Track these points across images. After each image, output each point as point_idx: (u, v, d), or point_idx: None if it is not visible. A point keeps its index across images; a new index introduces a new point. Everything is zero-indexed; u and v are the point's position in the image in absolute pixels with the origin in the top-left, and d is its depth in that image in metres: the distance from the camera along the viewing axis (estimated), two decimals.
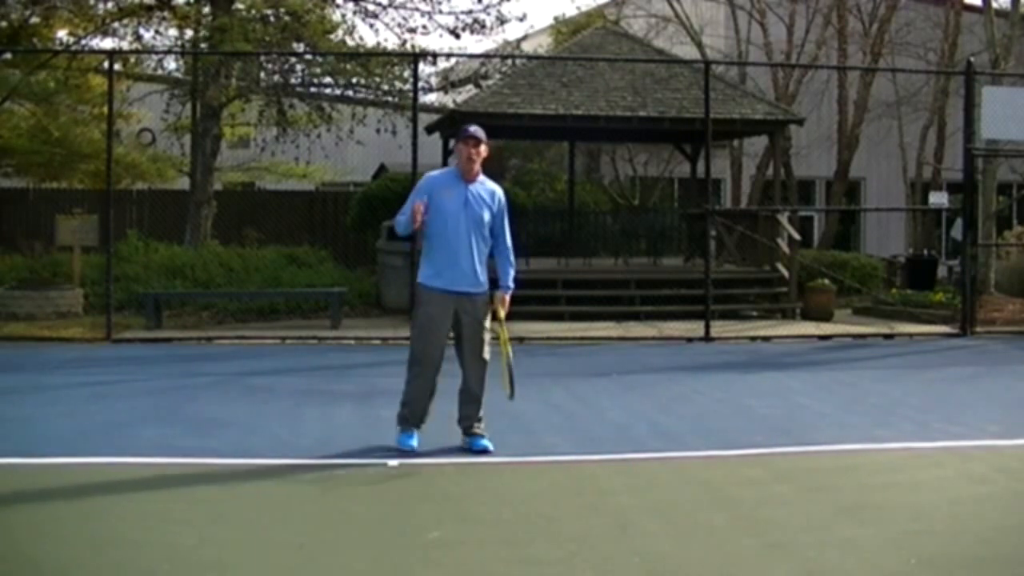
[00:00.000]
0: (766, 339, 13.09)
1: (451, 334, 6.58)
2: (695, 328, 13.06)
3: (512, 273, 6.68)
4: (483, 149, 6.50)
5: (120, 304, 13.58)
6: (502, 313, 6.57)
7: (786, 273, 15.59)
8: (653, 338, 12.99)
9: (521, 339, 12.66)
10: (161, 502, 5.40)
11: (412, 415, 6.55)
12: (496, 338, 6.58)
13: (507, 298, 6.61)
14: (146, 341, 12.20)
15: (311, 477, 5.99)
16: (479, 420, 6.59)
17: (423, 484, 5.85)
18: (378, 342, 12.36)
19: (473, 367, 6.53)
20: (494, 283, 6.61)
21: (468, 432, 6.59)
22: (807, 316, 15.12)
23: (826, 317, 15.01)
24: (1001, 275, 17.57)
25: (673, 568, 4.47)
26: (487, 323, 6.56)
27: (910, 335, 13.65)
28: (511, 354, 6.49)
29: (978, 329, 13.66)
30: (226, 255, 15.93)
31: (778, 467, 6.34)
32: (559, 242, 18.76)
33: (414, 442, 6.50)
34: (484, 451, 6.50)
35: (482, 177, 6.58)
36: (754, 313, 15.63)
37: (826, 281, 15.48)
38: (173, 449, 6.49)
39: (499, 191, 6.64)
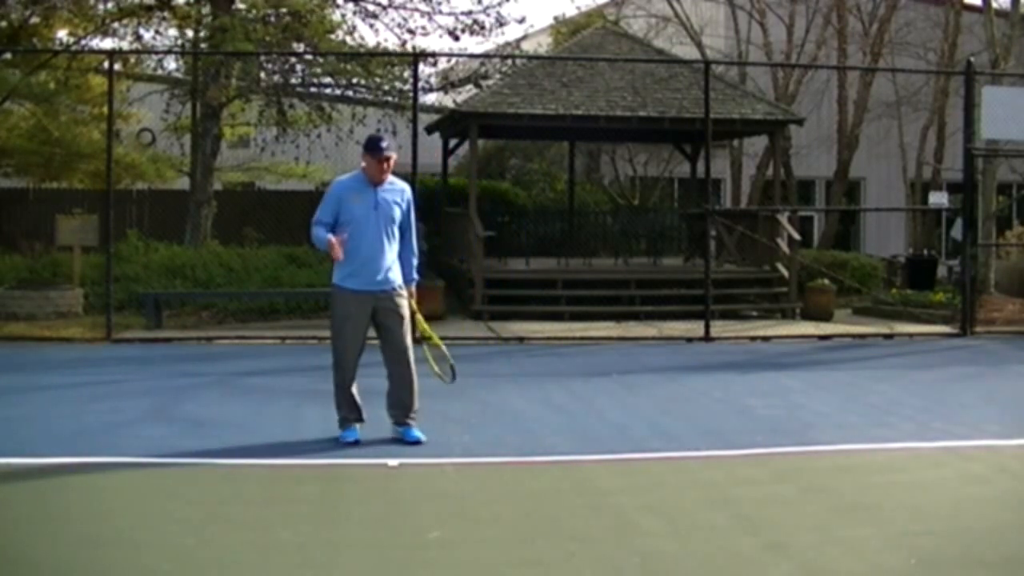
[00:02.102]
0: (766, 339, 13.09)
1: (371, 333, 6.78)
2: (695, 328, 13.06)
3: (415, 263, 6.91)
4: (393, 160, 6.72)
5: (120, 304, 13.57)
6: (414, 304, 6.81)
7: (786, 273, 15.59)
8: (653, 338, 12.99)
9: (521, 339, 12.70)
10: (161, 502, 5.40)
11: (350, 414, 6.74)
12: (424, 337, 6.91)
13: (413, 289, 6.85)
14: (146, 341, 12.20)
15: (311, 477, 6.00)
16: (414, 411, 6.74)
17: (423, 484, 5.84)
18: (377, 342, 12.31)
19: (401, 360, 6.70)
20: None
21: (400, 423, 6.74)
22: (807, 316, 15.12)
23: (826, 317, 15.00)
24: (1001, 275, 17.58)
25: (673, 568, 4.47)
26: (406, 315, 6.74)
27: (910, 335, 13.64)
28: (438, 340, 6.89)
29: (978, 329, 13.66)
30: (226, 255, 15.92)
31: (778, 467, 6.35)
32: (559, 242, 18.78)
33: (357, 435, 6.68)
34: (417, 442, 6.63)
35: (391, 178, 6.78)
36: (754, 313, 15.63)
37: (826, 281, 15.47)
38: (173, 449, 6.49)
39: (407, 189, 6.88)
